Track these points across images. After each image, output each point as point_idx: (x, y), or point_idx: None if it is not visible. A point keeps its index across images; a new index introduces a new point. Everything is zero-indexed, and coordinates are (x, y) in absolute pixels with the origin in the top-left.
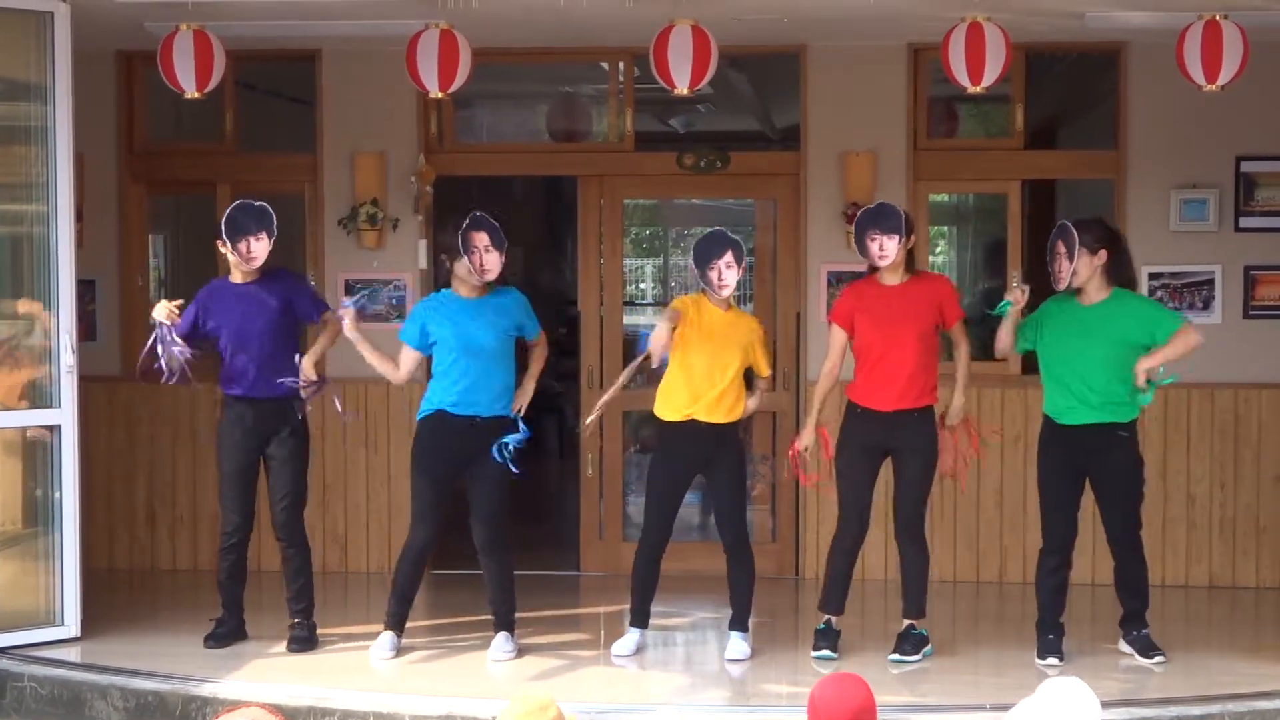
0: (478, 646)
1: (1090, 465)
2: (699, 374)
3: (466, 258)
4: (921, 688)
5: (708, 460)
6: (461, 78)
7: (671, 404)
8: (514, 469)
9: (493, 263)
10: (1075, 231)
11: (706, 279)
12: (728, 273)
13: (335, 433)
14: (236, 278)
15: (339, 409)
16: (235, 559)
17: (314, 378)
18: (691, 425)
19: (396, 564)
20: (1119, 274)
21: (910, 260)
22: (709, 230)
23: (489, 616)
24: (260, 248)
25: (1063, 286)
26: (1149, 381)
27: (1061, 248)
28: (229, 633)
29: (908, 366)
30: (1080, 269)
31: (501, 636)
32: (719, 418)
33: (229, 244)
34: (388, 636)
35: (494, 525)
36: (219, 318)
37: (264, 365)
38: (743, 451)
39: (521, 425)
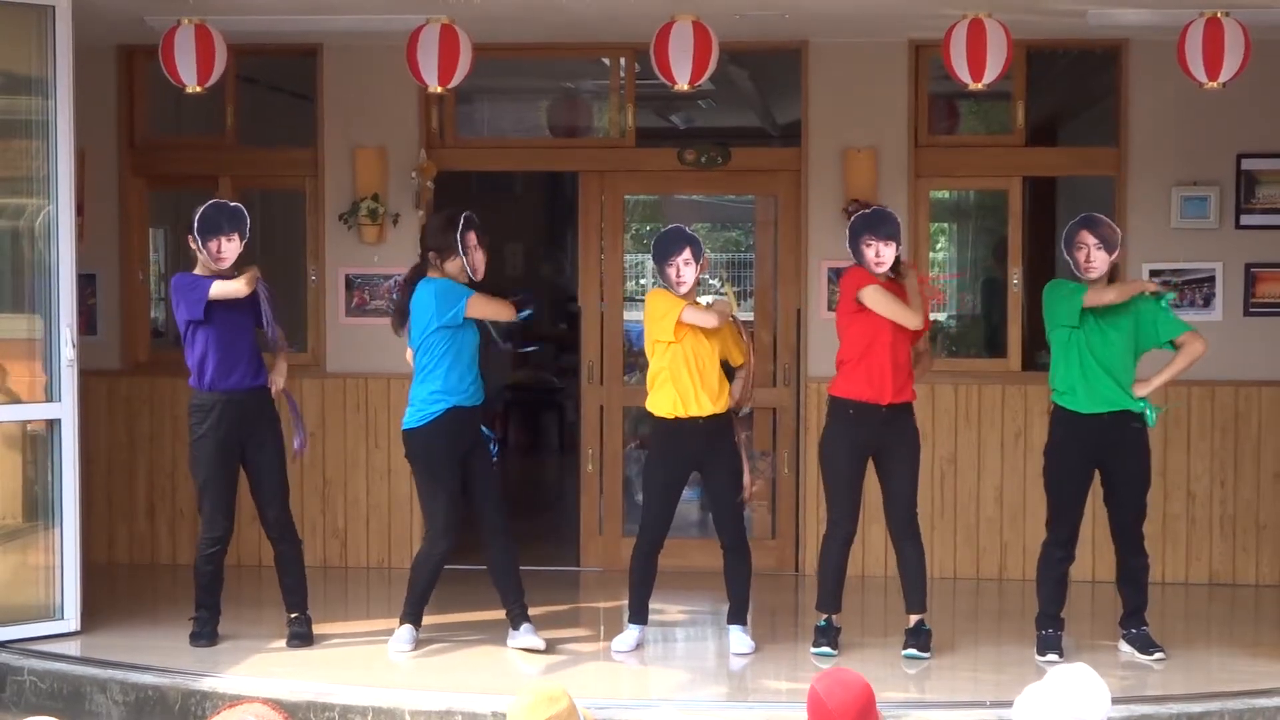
0: (479, 641)
1: (1105, 458)
2: (684, 369)
3: (465, 258)
4: (922, 684)
5: (704, 456)
6: (462, 73)
7: (663, 401)
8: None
9: (481, 260)
10: (1118, 230)
11: (665, 276)
12: (685, 269)
13: (336, 428)
14: (204, 274)
15: (296, 447)
16: (216, 567)
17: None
18: (685, 421)
19: (416, 567)
20: (1113, 272)
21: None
22: (667, 228)
23: (491, 611)
24: (231, 249)
25: (1094, 277)
26: (1149, 407)
27: (1091, 238)
28: (214, 630)
29: (903, 357)
30: (1104, 265)
31: (526, 628)
32: (708, 409)
33: (199, 242)
34: (406, 630)
35: (502, 509)
36: (220, 303)
37: (251, 357)
38: (738, 448)
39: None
